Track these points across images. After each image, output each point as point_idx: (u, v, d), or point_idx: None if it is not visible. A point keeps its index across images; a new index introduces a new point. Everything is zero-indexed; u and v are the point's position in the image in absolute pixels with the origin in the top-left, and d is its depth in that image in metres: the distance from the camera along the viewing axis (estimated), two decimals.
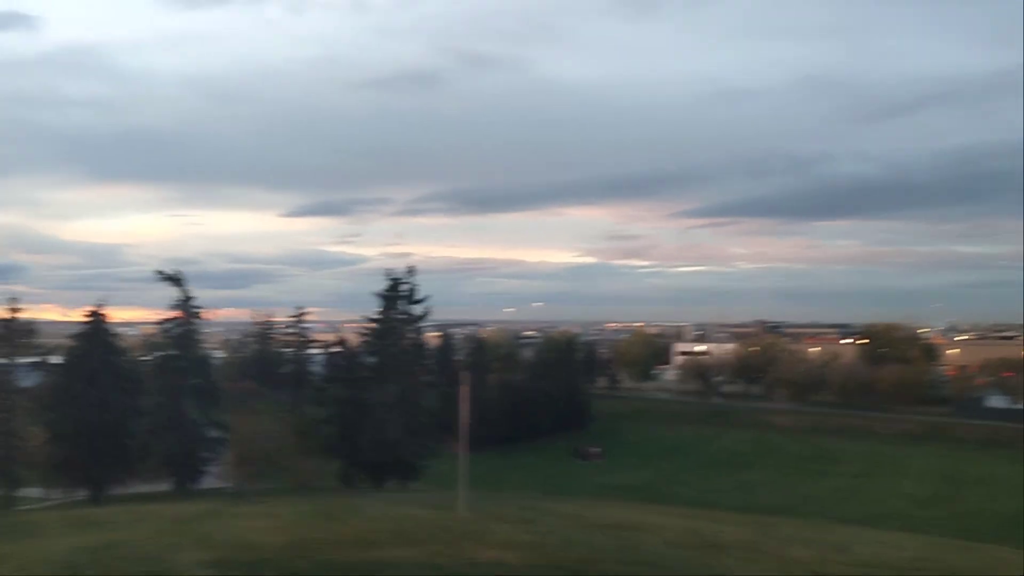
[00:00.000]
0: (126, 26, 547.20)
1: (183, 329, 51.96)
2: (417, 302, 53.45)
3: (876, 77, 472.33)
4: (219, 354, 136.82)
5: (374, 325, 53.96)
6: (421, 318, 54.16)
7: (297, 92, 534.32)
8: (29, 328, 54.51)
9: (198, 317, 52.75)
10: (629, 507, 35.21)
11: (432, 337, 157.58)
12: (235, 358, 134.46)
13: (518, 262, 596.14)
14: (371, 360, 54.63)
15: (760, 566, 18.22)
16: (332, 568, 15.47)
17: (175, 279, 51.66)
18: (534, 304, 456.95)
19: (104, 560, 17.10)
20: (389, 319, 53.17)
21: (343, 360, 59.06)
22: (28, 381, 56.98)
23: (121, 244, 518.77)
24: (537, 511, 31.05)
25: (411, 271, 53.29)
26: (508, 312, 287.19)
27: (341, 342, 62.90)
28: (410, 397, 52.14)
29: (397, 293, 53.14)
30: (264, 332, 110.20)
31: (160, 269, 51.35)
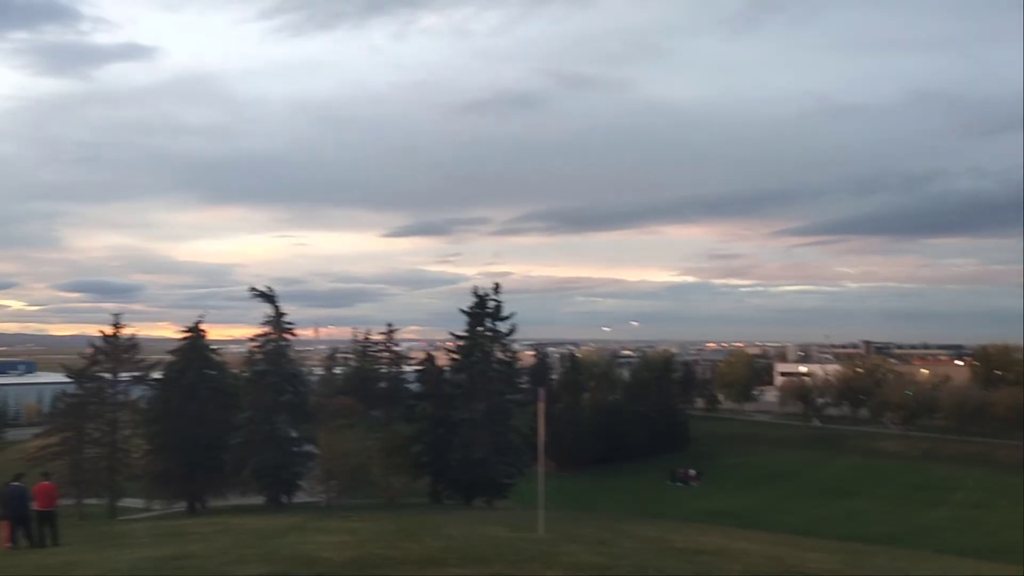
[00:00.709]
0: (238, 54, 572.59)
1: (275, 345, 52.93)
2: (504, 319, 53.27)
3: (991, 90, 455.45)
4: (318, 371, 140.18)
5: (461, 342, 54.01)
6: (507, 335, 53.93)
7: (400, 115, 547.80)
8: (132, 344, 56.46)
9: (291, 333, 53.72)
10: (718, 532, 33.89)
11: (526, 356, 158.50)
12: (334, 375, 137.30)
13: (617, 281, 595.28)
14: (459, 377, 54.67)
15: None
16: None
17: (268, 296, 52.73)
18: (632, 323, 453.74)
19: (165, 571, 17.17)
20: (475, 336, 53.09)
21: (432, 377, 59.32)
22: (131, 395, 58.98)
23: (231, 264, 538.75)
24: (617, 533, 30.19)
25: (497, 288, 53.20)
26: (606, 331, 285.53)
27: (430, 359, 63.18)
28: (497, 415, 51.83)
29: (484, 310, 53.05)
30: (362, 350, 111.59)
31: (253, 286, 52.53)
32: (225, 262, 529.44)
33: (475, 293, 53.29)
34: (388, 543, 23.13)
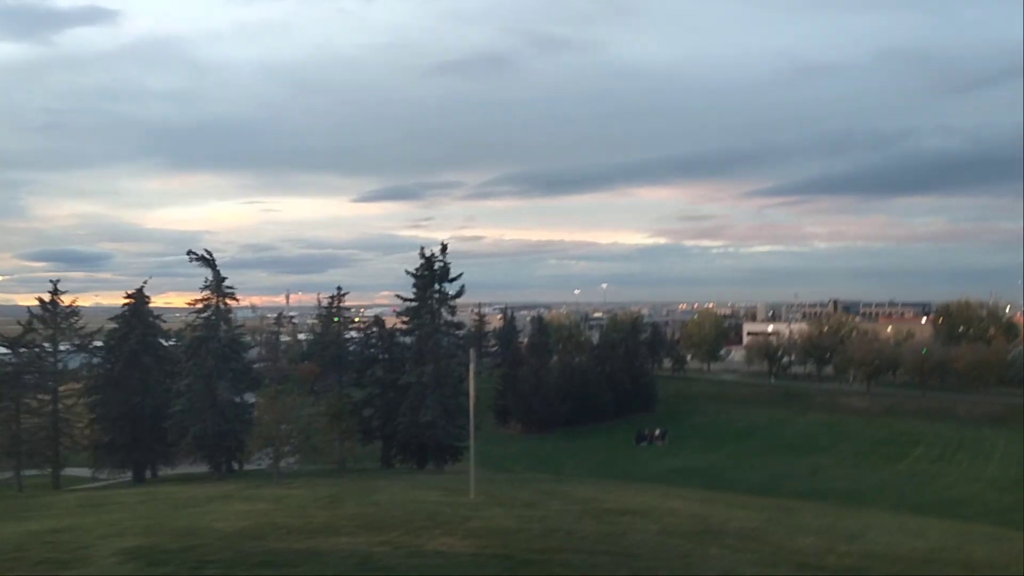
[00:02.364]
0: (203, 18, 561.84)
1: (215, 310, 51.63)
2: (452, 280, 52.18)
3: (961, 48, 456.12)
4: (285, 338, 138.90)
5: (408, 304, 52.97)
6: (455, 297, 52.87)
7: (369, 79, 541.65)
8: (72, 311, 54.91)
9: (233, 298, 52.45)
10: (659, 491, 33.30)
11: (495, 319, 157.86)
12: (299, 342, 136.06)
13: (590, 244, 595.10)
14: (406, 340, 53.70)
15: (749, 556, 16.31)
16: (253, 557, 14.16)
17: (208, 260, 51.30)
18: (603, 285, 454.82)
19: (31, 546, 16.13)
20: (423, 299, 52.01)
21: (381, 341, 58.30)
22: (71, 364, 57.56)
23: (201, 231, 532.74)
24: (551, 495, 29.55)
25: (444, 249, 52.00)
26: (578, 294, 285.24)
27: (379, 322, 62.14)
28: (446, 378, 50.87)
29: (432, 272, 51.90)
30: (326, 315, 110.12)
31: (191, 250, 51.09)
32: (194, 229, 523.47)
33: (422, 255, 52.08)
34: (298, 512, 22.35)
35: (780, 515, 22.74)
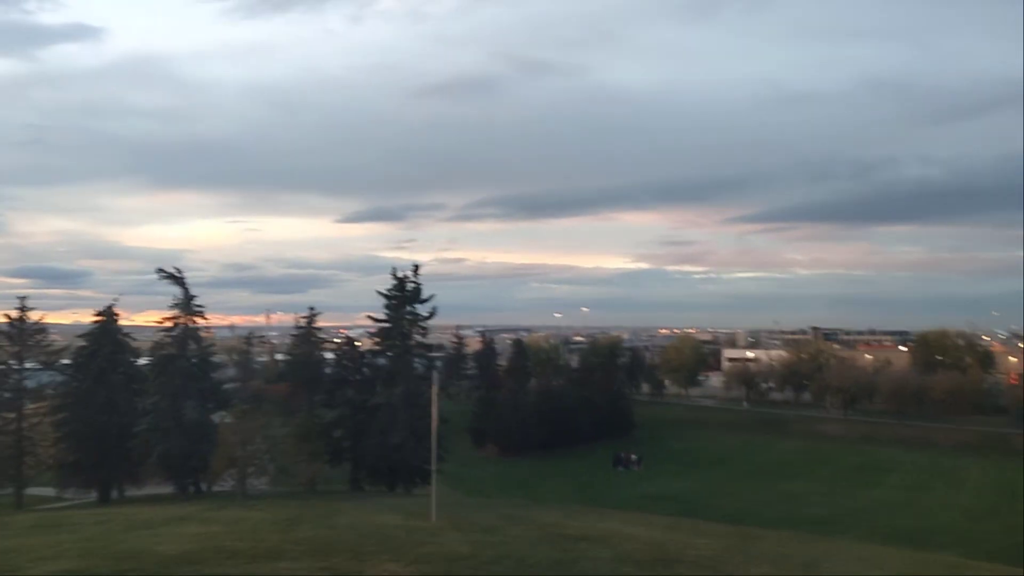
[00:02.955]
0: (189, 36, 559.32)
1: (183, 329, 51.01)
2: (423, 301, 51.81)
3: (942, 79, 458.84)
4: (262, 358, 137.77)
5: (382, 326, 52.50)
6: (427, 318, 52.48)
7: (354, 100, 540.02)
8: (39, 328, 54.17)
9: (201, 317, 51.80)
10: (621, 518, 32.93)
11: (474, 342, 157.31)
12: (276, 362, 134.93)
13: (571, 267, 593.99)
14: (379, 361, 53.21)
15: None
16: None
17: (176, 278, 50.76)
18: (583, 309, 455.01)
19: None
20: (394, 320, 51.59)
21: (351, 362, 57.81)
22: (38, 382, 56.74)
23: (182, 250, 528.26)
24: (513, 519, 29.07)
25: (416, 270, 51.70)
26: (559, 317, 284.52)
27: (349, 343, 61.66)
28: (417, 399, 50.33)
29: (403, 293, 51.53)
30: (304, 335, 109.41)
31: (161, 267, 50.50)
32: (175, 247, 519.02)
33: (394, 275, 51.73)
34: (250, 535, 21.90)
35: (740, 543, 22.45)
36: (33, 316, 54.04)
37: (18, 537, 24.52)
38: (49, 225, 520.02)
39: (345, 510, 34.36)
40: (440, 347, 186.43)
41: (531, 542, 21.85)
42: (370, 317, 53.30)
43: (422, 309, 52.19)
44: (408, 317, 51.73)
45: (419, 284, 51.63)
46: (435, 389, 28.45)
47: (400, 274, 51.66)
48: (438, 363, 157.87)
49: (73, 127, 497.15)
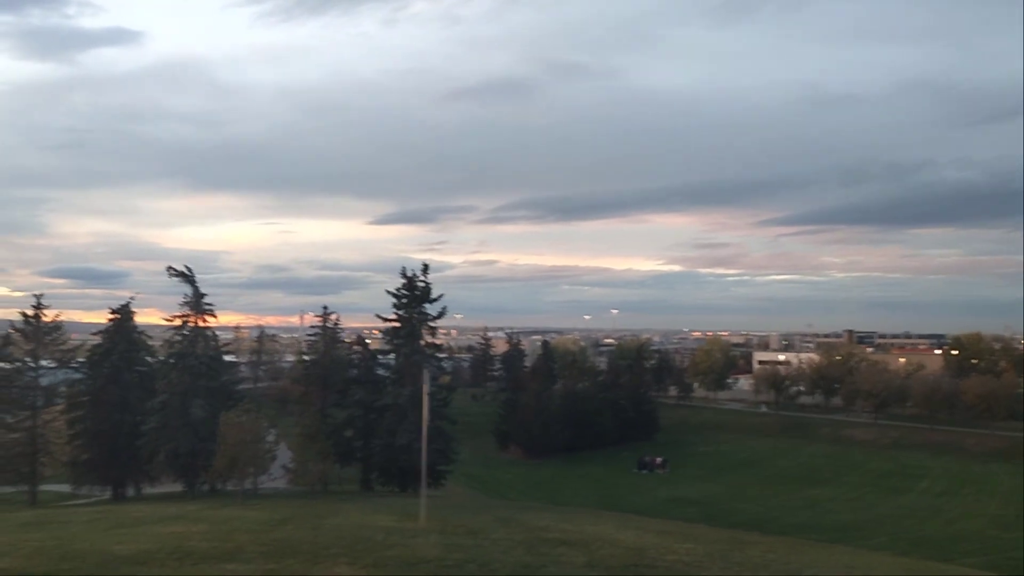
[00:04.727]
0: (226, 40, 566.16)
1: (193, 328, 50.96)
2: (432, 301, 51.32)
3: (981, 81, 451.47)
4: (289, 358, 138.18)
5: (393, 326, 52.09)
6: (436, 318, 52.00)
7: (388, 103, 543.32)
8: (55, 327, 54.41)
9: (211, 315, 51.71)
10: (616, 521, 32.23)
11: (500, 343, 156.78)
12: (303, 362, 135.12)
13: (603, 270, 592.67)
14: (389, 362, 52.86)
15: None
16: None
17: (187, 277, 50.73)
18: (612, 312, 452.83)
19: None
20: (404, 319, 51.17)
21: (362, 362, 57.51)
22: (53, 380, 57.01)
23: (217, 251, 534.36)
24: (503, 522, 28.57)
25: (426, 269, 51.23)
26: (589, 320, 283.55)
27: (361, 343, 61.32)
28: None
29: (413, 293, 51.08)
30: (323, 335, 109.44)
31: (171, 266, 50.50)
32: (211, 249, 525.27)
33: (403, 275, 51.31)
34: (222, 535, 21.68)
35: (726, 549, 21.70)
36: (49, 315, 54.25)
37: None
38: (88, 227, 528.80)
39: (342, 511, 34.10)
40: (468, 349, 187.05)
41: (508, 546, 21.30)
42: (380, 317, 52.98)
43: (431, 309, 51.78)
44: (417, 317, 51.32)
45: (428, 284, 51.25)
46: (426, 389, 28.07)
47: (409, 274, 51.23)
48: (464, 364, 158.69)
49: (112, 130, 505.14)
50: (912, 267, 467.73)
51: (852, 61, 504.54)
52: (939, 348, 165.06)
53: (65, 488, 57.48)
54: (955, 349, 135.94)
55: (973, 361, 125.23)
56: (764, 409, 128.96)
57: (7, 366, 52.84)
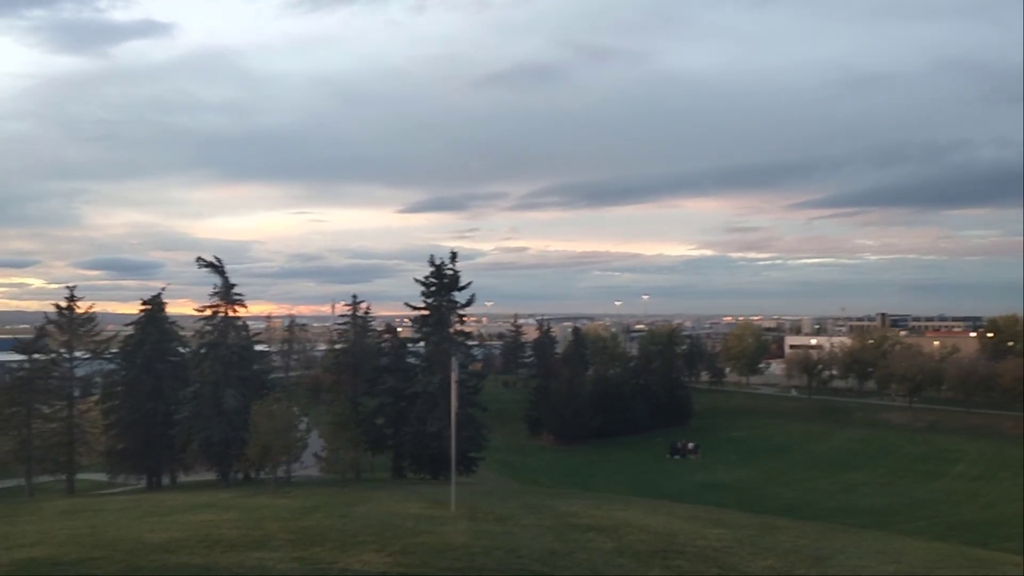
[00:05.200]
0: (255, 29, 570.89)
1: (224, 318, 51.36)
2: (461, 289, 51.34)
3: (1017, 58, 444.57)
4: (322, 347, 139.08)
5: (423, 313, 52.19)
6: (465, 305, 52.04)
7: (417, 90, 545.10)
8: (88, 318, 55.14)
9: (241, 305, 52.12)
10: (646, 507, 32.06)
11: (530, 330, 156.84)
12: (335, 351, 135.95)
13: (634, 255, 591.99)
14: (419, 350, 53.04)
15: None
16: (142, 571, 13.50)
17: (217, 267, 51.11)
18: (644, 297, 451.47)
19: None
20: (433, 307, 51.25)
21: (393, 350, 57.75)
22: (88, 371, 57.88)
23: (250, 241, 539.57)
24: (533, 509, 28.50)
25: (454, 257, 51.23)
26: (619, 305, 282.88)
27: (392, 331, 61.56)
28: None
29: (441, 281, 51.13)
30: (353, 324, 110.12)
31: (200, 257, 50.89)
32: (243, 239, 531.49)
33: (431, 263, 51.35)
34: (252, 524, 21.83)
35: (756, 534, 21.52)
36: (82, 306, 54.97)
37: (32, 523, 24.82)
38: (122, 218, 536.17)
39: (373, 498, 34.26)
40: (499, 336, 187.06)
41: (536, 532, 21.27)
42: (408, 305, 53.14)
43: (460, 296, 51.85)
44: (446, 304, 51.39)
45: (457, 272, 51.26)
46: (454, 376, 28.03)
47: (438, 262, 51.27)
48: (495, 351, 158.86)
49: (144, 121, 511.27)
50: (948, 249, 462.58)
51: (885, 40, 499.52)
52: (974, 331, 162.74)
53: (102, 477, 58.40)
54: (991, 331, 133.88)
55: (1009, 343, 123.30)
56: (794, 393, 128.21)
57: (43, 357, 53.58)
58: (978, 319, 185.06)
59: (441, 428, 46.70)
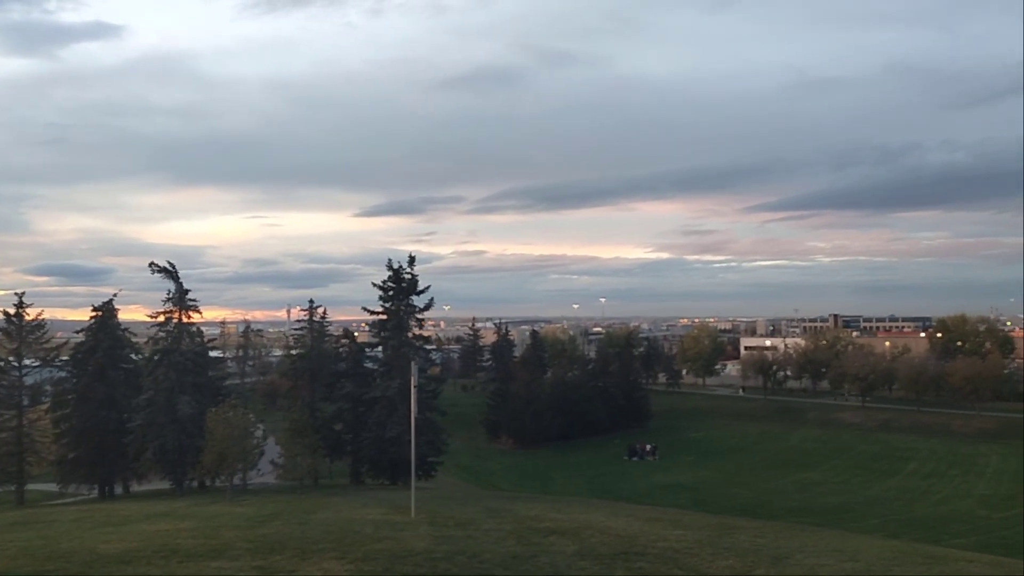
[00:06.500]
0: (209, 33, 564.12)
1: (178, 324, 50.64)
2: (419, 293, 51.16)
3: (968, 63, 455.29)
4: (277, 352, 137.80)
5: (378, 318, 51.93)
6: (423, 310, 51.86)
7: (375, 94, 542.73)
8: (38, 325, 54.06)
9: (195, 311, 51.43)
10: (607, 510, 32.18)
11: (488, 333, 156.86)
12: (290, 357, 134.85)
13: (592, 259, 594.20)
14: (377, 355, 52.73)
15: None
16: None
17: (171, 272, 50.38)
18: (601, 300, 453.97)
19: None
20: (391, 311, 50.99)
21: (350, 355, 57.37)
22: (38, 379, 56.78)
23: (204, 246, 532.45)
24: (494, 513, 28.40)
25: (412, 261, 51.02)
26: (577, 308, 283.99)
27: (349, 336, 61.21)
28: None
29: (399, 285, 50.90)
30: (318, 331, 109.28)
31: (153, 262, 50.12)
32: (196, 244, 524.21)
33: (390, 267, 51.11)
34: (209, 532, 21.49)
35: (715, 535, 21.65)
36: (31, 313, 53.89)
37: None
38: (71, 223, 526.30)
39: (331, 505, 33.95)
40: (457, 339, 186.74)
41: (498, 536, 21.20)
42: (366, 309, 52.75)
43: (418, 301, 51.63)
44: (404, 309, 51.16)
45: (415, 276, 51.06)
46: (414, 381, 27.86)
47: (395, 266, 51.02)
48: (453, 355, 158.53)
49: (95, 125, 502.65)
50: (899, 250, 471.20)
51: (839, 45, 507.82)
52: (924, 331, 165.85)
53: (52, 487, 57.21)
54: (940, 331, 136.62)
55: (958, 343, 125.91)
56: (741, 392, 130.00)
57: None
58: (928, 319, 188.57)
59: (400, 433, 46.48)
